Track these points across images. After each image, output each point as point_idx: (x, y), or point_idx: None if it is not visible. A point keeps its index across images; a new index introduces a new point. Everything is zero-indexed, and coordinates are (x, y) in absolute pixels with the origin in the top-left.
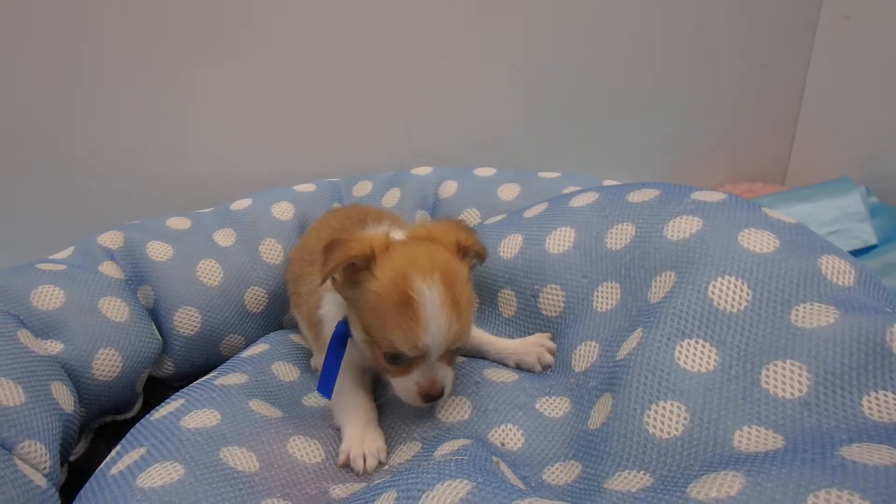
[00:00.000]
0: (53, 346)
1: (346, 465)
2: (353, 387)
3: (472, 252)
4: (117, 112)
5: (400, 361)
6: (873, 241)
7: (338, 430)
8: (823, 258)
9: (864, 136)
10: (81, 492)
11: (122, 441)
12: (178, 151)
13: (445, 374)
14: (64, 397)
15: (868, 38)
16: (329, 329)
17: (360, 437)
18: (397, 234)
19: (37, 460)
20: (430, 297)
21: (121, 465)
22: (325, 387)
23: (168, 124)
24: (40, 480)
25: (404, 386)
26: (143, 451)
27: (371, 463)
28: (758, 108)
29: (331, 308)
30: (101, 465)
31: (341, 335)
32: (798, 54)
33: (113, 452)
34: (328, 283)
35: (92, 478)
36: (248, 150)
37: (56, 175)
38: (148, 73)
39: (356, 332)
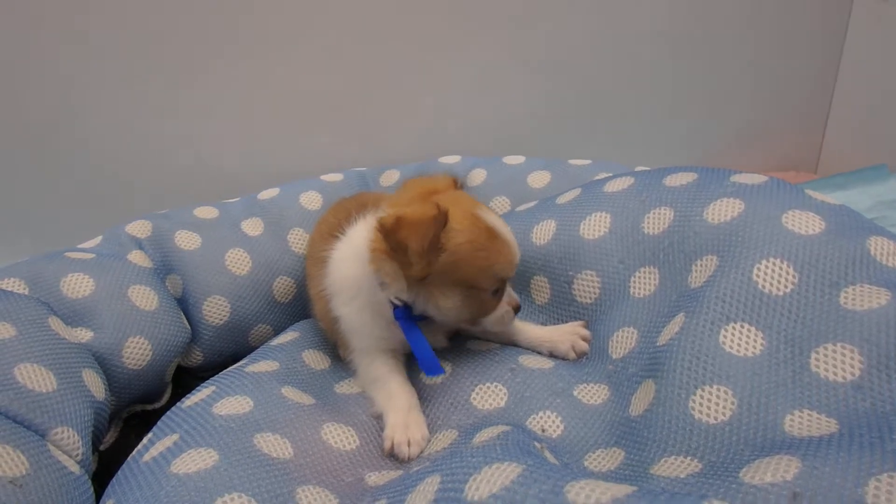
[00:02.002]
0: (84, 334)
1: (391, 452)
2: (390, 372)
3: (461, 186)
4: (146, 104)
5: (499, 292)
6: None
7: (377, 417)
8: (872, 239)
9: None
10: (114, 479)
11: (154, 428)
12: (207, 144)
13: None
14: (95, 385)
15: None
16: (350, 328)
17: (405, 423)
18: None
19: (70, 447)
20: (500, 222)
21: (153, 452)
22: (431, 366)
23: (197, 117)
24: (74, 467)
25: (502, 312)
26: (175, 437)
27: (415, 451)
28: (789, 95)
29: (348, 307)
30: (133, 452)
31: (408, 325)
32: (832, 38)
33: (145, 440)
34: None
35: (124, 465)
36: (278, 143)
37: (85, 166)
38: (178, 66)
39: (447, 305)
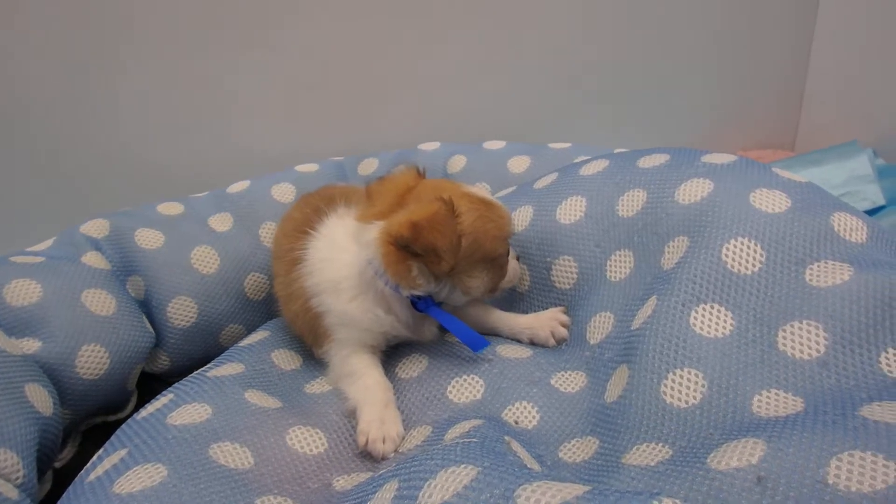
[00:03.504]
0: (30, 345)
1: (365, 449)
2: (367, 367)
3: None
4: (105, 97)
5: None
6: (881, 201)
7: (350, 414)
8: (836, 215)
9: (870, 100)
10: (59, 501)
11: (106, 443)
12: (174, 136)
13: None
14: (41, 399)
15: (871, 4)
16: (337, 320)
17: (380, 419)
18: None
19: (7, 470)
20: (482, 191)
21: (99, 471)
22: (475, 342)
23: (163, 108)
24: (11, 492)
25: (513, 266)
26: (123, 453)
27: (389, 448)
28: (766, 77)
29: (337, 301)
30: (82, 471)
31: (438, 311)
32: (803, 21)
33: (94, 457)
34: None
35: (70, 485)
36: (251, 133)
37: (40, 164)
38: (140, 55)
39: (477, 285)
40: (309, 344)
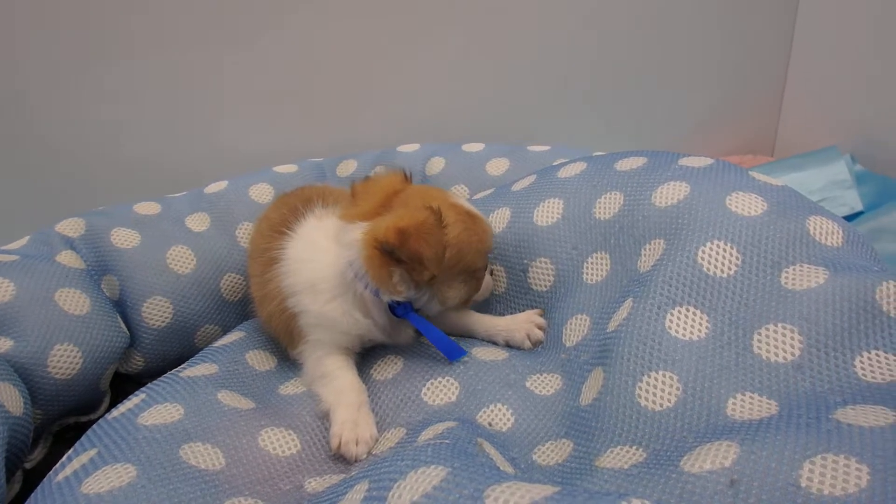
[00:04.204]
0: (1, 344)
1: (338, 451)
2: (340, 368)
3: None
4: (84, 92)
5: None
6: (859, 207)
7: (323, 415)
8: (811, 219)
9: (849, 106)
10: (27, 501)
11: (76, 444)
12: (152, 135)
13: None
14: (11, 399)
15: (850, 9)
16: (312, 320)
17: (353, 421)
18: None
19: None
20: (467, 203)
21: (68, 471)
22: (451, 350)
23: (142, 106)
24: None
25: (487, 280)
26: (93, 453)
27: (362, 450)
28: (745, 82)
29: (314, 302)
30: (51, 471)
31: (417, 317)
32: (782, 27)
33: (64, 457)
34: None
35: (38, 486)
36: (230, 134)
37: (14, 162)
38: (116, 51)
39: (454, 295)
40: (284, 344)
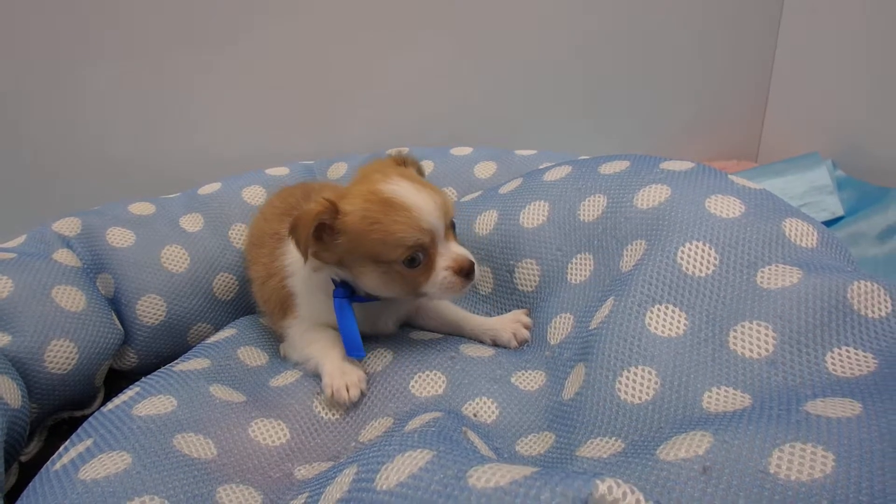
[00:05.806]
0: (0, 339)
1: (332, 400)
2: (321, 329)
3: (410, 162)
4: (83, 95)
5: (419, 261)
6: (840, 212)
7: (313, 374)
8: (787, 221)
9: (831, 113)
10: (25, 491)
11: (73, 435)
12: (145, 136)
13: (461, 248)
14: (10, 392)
15: (833, 18)
16: (303, 301)
17: (340, 370)
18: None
19: None
20: (403, 186)
21: (65, 460)
22: (352, 345)
23: (136, 108)
24: None
25: (440, 277)
26: (89, 442)
27: (354, 393)
28: (728, 88)
29: (305, 284)
30: (48, 461)
31: (341, 302)
32: (766, 35)
33: (61, 448)
34: (299, 262)
35: (36, 476)
36: (222, 136)
37: (11, 162)
38: (120, 56)
39: (370, 282)
40: (275, 319)
